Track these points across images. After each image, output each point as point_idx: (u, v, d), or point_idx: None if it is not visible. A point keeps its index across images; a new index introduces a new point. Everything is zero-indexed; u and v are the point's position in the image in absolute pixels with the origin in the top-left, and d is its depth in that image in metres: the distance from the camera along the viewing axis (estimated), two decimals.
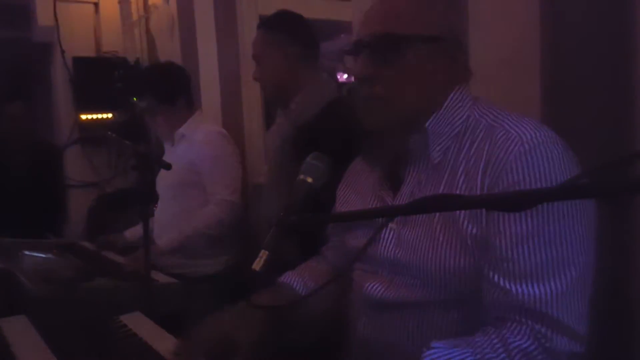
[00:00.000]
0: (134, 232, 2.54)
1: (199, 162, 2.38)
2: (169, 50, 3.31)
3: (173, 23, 3.25)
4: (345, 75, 6.93)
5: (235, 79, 2.84)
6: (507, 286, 0.94)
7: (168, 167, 1.75)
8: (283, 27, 1.96)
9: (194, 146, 2.41)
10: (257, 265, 0.99)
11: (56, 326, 1.32)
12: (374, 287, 1.11)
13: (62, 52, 3.40)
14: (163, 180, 2.36)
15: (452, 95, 1.09)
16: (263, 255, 1.00)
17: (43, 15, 3.37)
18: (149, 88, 2.46)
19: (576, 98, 1.39)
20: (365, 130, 1.16)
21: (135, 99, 3.44)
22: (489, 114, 1.07)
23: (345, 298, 1.25)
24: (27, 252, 2.10)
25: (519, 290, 0.93)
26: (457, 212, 1.00)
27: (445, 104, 1.08)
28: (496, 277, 0.96)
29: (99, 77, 3.45)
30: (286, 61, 1.92)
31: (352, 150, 1.35)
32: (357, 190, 1.26)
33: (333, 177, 1.25)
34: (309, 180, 1.08)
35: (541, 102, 1.45)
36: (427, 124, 1.07)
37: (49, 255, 2.13)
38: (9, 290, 1.65)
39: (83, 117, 3.43)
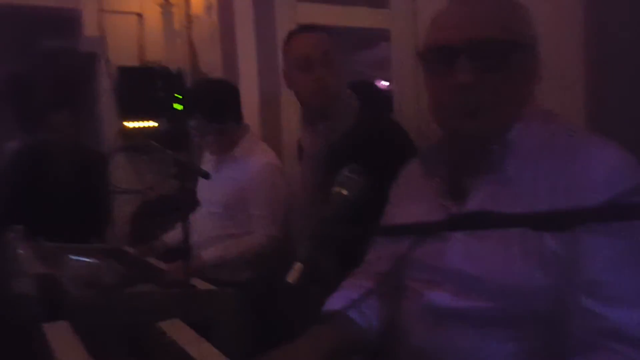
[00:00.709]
0: (172, 236, 2.59)
1: (250, 192, 2.36)
2: (210, 61, 3.37)
3: (214, 33, 3.31)
4: (384, 83, 6.93)
5: (274, 89, 2.87)
6: (601, 311, 0.90)
7: (207, 176, 1.78)
8: (324, 30, 1.92)
9: (246, 174, 2.38)
10: (292, 277, 1.00)
11: (97, 332, 1.36)
12: (438, 297, 1.09)
13: (108, 61, 3.50)
14: (207, 195, 2.40)
15: (530, 106, 1.07)
16: (297, 267, 1.01)
17: (89, 26, 3.49)
18: (199, 106, 2.41)
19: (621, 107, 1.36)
20: (452, 136, 1.15)
21: (177, 105, 3.53)
22: (568, 131, 1.04)
23: (397, 306, 1.23)
24: (72, 257, 2.16)
25: (614, 315, 0.89)
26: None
27: (525, 117, 1.06)
28: (588, 301, 0.92)
29: (142, 86, 3.54)
30: (335, 69, 1.84)
31: (392, 164, 1.35)
32: (413, 197, 1.23)
33: (373, 189, 1.25)
34: (344, 192, 1.08)
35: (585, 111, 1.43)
36: (509, 136, 1.05)
37: (94, 260, 2.18)
38: (53, 295, 1.69)
39: (127, 125, 3.52)
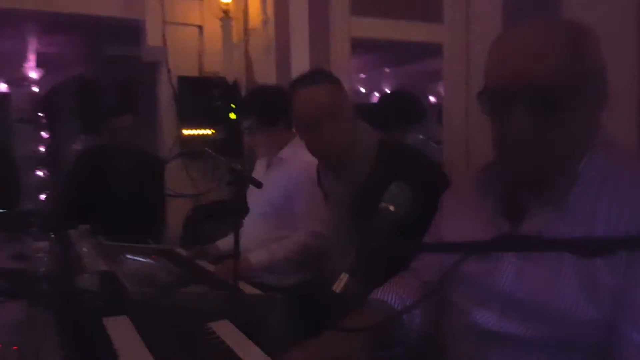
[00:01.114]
0: (225, 243, 2.68)
1: (294, 191, 2.45)
2: (265, 73, 3.47)
3: (270, 46, 3.41)
4: (432, 98, 6.92)
5: None
6: None
7: (259, 185, 1.86)
8: (329, 78, 1.81)
9: (291, 173, 2.47)
10: (338, 287, 1.05)
11: (154, 327, 1.44)
12: (485, 317, 1.10)
13: (169, 71, 3.65)
14: (256, 198, 2.48)
15: (599, 135, 1.04)
16: (343, 278, 1.05)
17: (153, 37, 3.64)
18: (252, 108, 2.55)
19: None
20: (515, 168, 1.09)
21: (232, 115, 3.64)
22: (632, 165, 1.03)
23: (443, 321, 1.25)
24: (129, 256, 2.27)
25: None
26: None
27: (594, 148, 1.03)
28: (634, 333, 0.92)
29: (201, 95, 3.67)
30: (345, 120, 1.75)
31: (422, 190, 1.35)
32: (464, 213, 1.22)
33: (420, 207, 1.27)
34: (391, 208, 1.12)
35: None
36: (579, 169, 1.02)
37: (149, 260, 2.29)
38: (113, 291, 1.79)
39: (185, 132, 3.65)
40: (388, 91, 7.28)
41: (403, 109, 2.95)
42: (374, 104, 3.29)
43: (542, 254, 1.02)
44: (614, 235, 0.95)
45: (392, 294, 1.27)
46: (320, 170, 2.06)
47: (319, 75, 1.82)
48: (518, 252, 1.07)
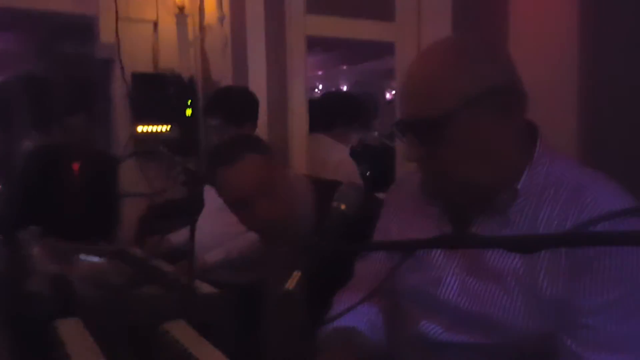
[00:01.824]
0: (177, 236, 2.68)
1: None
2: (222, 69, 3.46)
3: (226, 43, 3.40)
4: (389, 95, 7.01)
5: (282, 98, 2.96)
6: (584, 355, 0.93)
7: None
8: (263, 146, 1.63)
9: None
10: (291, 284, 1.07)
11: (106, 330, 1.43)
12: (430, 328, 1.11)
13: (122, 68, 3.59)
14: (213, 192, 2.47)
15: (537, 150, 1.05)
16: (296, 275, 1.07)
17: (105, 33, 3.57)
18: (219, 108, 2.60)
19: (613, 120, 1.42)
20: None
21: (188, 111, 3.62)
22: (572, 173, 1.03)
23: (393, 330, 1.26)
24: (81, 257, 2.24)
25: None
26: (537, 270, 0.98)
27: (534, 160, 1.04)
28: (573, 344, 0.95)
29: (155, 92, 3.63)
30: (279, 190, 1.56)
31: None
32: (409, 217, 1.22)
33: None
34: (343, 207, 1.14)
35: (577, 125, 1.49)
36: (518, 186, 1.02)
37: (102, 261, 2.26)
38: (64, 293, 1.76)
39: (139, 129, 3.60)
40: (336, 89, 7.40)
41: (342, 108, 3.03)
42: (317, 101, 3.33)
43: (485, 268, 1.04)
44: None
45: (359, 318, 1.24)
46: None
47: (243, 147, 1.58)
48: (461, 264, 1.08)
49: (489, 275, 1.04)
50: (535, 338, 1.00)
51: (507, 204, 1.03)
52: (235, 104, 2.59)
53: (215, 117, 2.58)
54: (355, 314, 1.22)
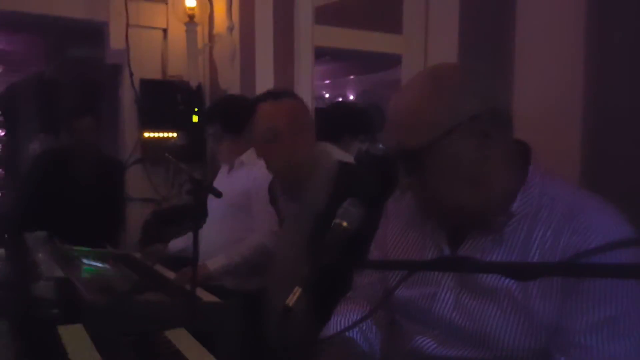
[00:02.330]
0: (177, 244, 2.72)
1: (254, 190, 2.52)
2: (229, 78, 3.48)
3: (235, 52, 3.43)
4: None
5: None
6: None
7: (219, 195, 1.88)
8: (292, 96, 1.87)
9: (251, 174, 2.56)
10: (291, 301, 1.08)
11: (108, 336, 1.44)
12: (425, 343, 1.13)
13: (131, 74, 3.63)
14: (216, 201, 2.50)
15: (530, 172, 1.06)
16: (296, 292, 1.08)
17: (116, 39, 3.61)
18: (218, 116, 2.66)
19: (616, 146, 1.44)
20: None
21: (195, 118, 3.65)
22: (567, 195, 1.04)
23: (390, 343, 1.27)
24: (85, 261, 2.26)
25: None
26: (530, 289, 1.00)
27: (526, 183, 1.05)
28: None
29: (163, 99, 3.66)
30: (305, 137, 1.78)
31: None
32: (407, 231, 1.25)
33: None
34: (344, 224, 1.15)
35: (581, 149, 1.50)
36: (513, 208, 1.04)
37: (106, 266, 2.28)
38: (68, 298, 1.78)
39: (146, 135, 3.64)
40: (343, 99, 7.42)
41: (349, 119, 3.05)
42: (324, 111, 3.36)
43: (479, 285, 1.06)
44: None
45: (347, 323, 1.27)
46: (275, 191, 2.06)
47: (282, 93, 1.88)
48: (455, 280, 1.10)
49: (483, 293, 1.06)
50: (527, 354, 1.02)
51: (501, 225, 1.05)
52: (232, 112, 2.65)
53: (213, 125, 2.64)
54: (344, 321, 1.26)
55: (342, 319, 1.30)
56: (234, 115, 2.63)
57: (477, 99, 1.04)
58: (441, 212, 1.12)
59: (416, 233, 1.22)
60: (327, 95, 7.62)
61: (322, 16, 2.98)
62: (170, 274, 2.33)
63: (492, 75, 1.14)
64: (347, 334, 1.25)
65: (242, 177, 2.60)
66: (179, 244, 2.71)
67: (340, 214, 1.16)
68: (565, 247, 0.99)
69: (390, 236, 1.29)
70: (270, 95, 1.88)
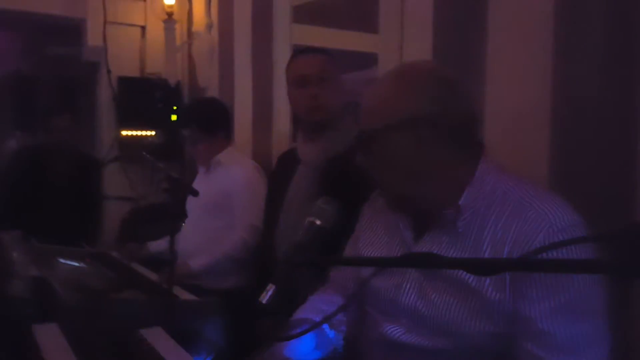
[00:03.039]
0: (156, 246, 2.73)
1: (232, 188, 2.58)
2: (208, 75, 3.48)
3: (213, 50, 3.42)
4: None
5: (267, 105, 2.99)
6: (547, 357, 0.99)
7: (195, 194, 1.89)
8: (333, 56, 2.07)
9: (229, 173, 2.62)
10: (264, 297, 1.09)
11: (83, 335, 1.44)
12: (393, 330, 1.18)
13: (109, 71, 3.60)
14: (195, 200, 2.51)
15: (479, 168, 1.13)
16: (270, 288, 1.10)
17: (93, 36, 3.58)
18: (194, 118, 2.71)
19: (583, 154, 1.48)
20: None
21: (173, 117, 3.63)
22: (517, 188, 1.10)
23: (360, 332, 1.32)
24: (62, 260, 2.25)
25: None
26: (483, 279, 1.05)
27: (475, 179, 1.12)
28: (534, 348, 1.01)
29: (141, 96, 3.64)
30: (344, 89, 2.02)
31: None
32: (378, 227, 1.31)
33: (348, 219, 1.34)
34: (318, 222, 1.17)
35: (549, 149, 1.54)
36: (460, 202, 1.11)
37: (82, 265, 2.28)
38: (43, 297, 1.78)
39: (123, 133, 3.61)
40: None
41: None
42: None
43: (440, 276, 1.12)
44: (498, 257, 1.05)
45: (315, 313, 1.32)
46: (299, 138, 2.16)
47: (317, 50, 2.10)
48: (419, 271, 1.16)
49: (443, 283, 1.12)
50: (488, 339, 1.06)
51: (453, 218, 1.12)
52: (205, 114, 2.72)
53: (188, 128, 2.68)
54: (312, 309, 1.32)
55: (312, 305, 1.36)
56: (208, 117, 2.69)
57: (425, 103, 1.11)
58: (390, 199, 1.22)
59: (386, 230, 1.28)
60: None
61: (300, 15, 2.99)
62: (150, 274, 2.33)
63: (461, 81, 1.18)
64: (308, 317, 1.29)
65: (220, 176, 2.63)
66: (160, 245, 2.70)
67: (314, 212, 1.18)
68: (516, 237, 1.04)
69: (364, 235, 1.35)
70: (308, 50, 2.09)
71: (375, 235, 1.32)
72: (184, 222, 2.69)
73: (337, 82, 1.99)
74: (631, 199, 1.35)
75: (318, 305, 1.35)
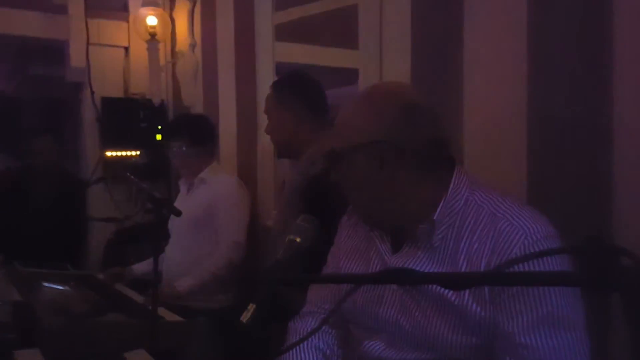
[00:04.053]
0: (141, 268, 2.72)
1: (215, 205, 2.60)
2: (193, 94, 3.48)
3: (197, 69, 3.44)
4: None
5: (251, 123, 3.01)
6: None
7: (178, 214, 1.88)
8: (293, 88, 2.12)
9: (212, 190, 2.64)
10: (245, 317, 1.09)
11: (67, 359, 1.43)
12: (373, 346, 1.19)
13: (92, 92, 3.59)
14: (178, 219, 2.50)
15: (452, 183, 1.14)
16: (251, 308, 1.09)
17: (76, 57, 3.57)
18: (180, 131, 2.72)
19: (560, 162, 1.50)
20: None
21: (158, 136, 3.63)
22: (490, 201, 1.11)
23: (344, 350, 1.33)
24: (45, 284, 2.22)
25: None
26: (463, 292, 1.06)
27: (448, 194, 1.13)
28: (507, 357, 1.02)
29: (125, 116, 3.63)
30: (295, 119, 2.07)
31: None
32: (355, 244, 1.31)
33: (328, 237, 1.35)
34: (298, 240, 1.18)
35: (527, 165, 1.56)
36: (434, 216, 1.12)
37: (66, 288, 2.25)
38: (25, 322, 1.76)
39: (108, 154, 3.60)
40: None
41: None
42: None
43: (420, 291, 1.12)
44: (475, 270, 1.06)
45: (313, 352, 1.32)
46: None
47: (278, 81, 2.26)
48: (399, 286, 1.16)
49: (422, 295, 1.12)
50: (469, 352, 1.07)
51: (427, 233, 1.13)
52: (196, 127, 2.75)
53: (179, 140, 2.68)
54: (309, 350, 1.30)
55: (297, 335, 1.35)
56: (195, 131, 2.71)
57: (385, 126, 1.14)
58: (360, 215, 1.26)
59: (363, 244, 1.29)
60: None
61: (282, 33, 3.01)
62: (136, 296, 2.31)
63: (429, 105, 1.19)
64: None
65: (203, 193, 2.65)
66: (144, 267, 2.70)
67: (294, 230, 1.19)
68: (493, 250, 1.06)
69: (342, 251, 1.35)
70: (277, 83, 2.22)
71: (353, 249, 1.32)
72: (167, 243, 2.69)
73: (276, 116, 2.13)
74: (607, 205, 1.37)
75: (313, 343, 1.34)
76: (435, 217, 1.12)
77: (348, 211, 1.40)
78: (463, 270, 1.08)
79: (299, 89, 2.12)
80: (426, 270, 1.11)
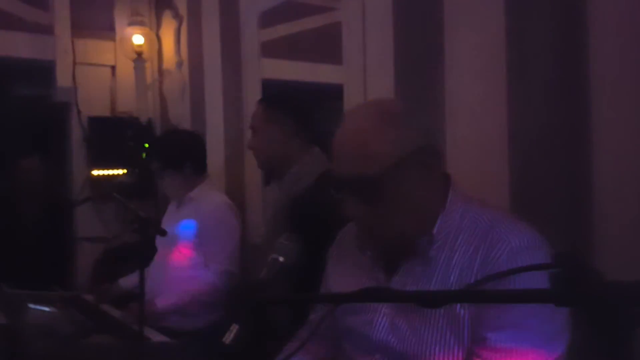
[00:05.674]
0: (128, 281, 2.68)
1: (204, 229, 2.52)
2: (180, 112, 3.50)
3: (184, 88, 3.45)
4: None
5: (239, 140, 3.01)
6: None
7: (163, 234, 1.88)
8: (281, 105, 2.11)
9: (200, 212, 2.55)
10: (227, 338, 1.09)
11: None
12: None
13: (79, 111, 3.59)
14: (165, 238, 2.49)
15: (449, 197, 1.16)
16: (233, 329, 1.09)
17: (63, 77, 3.57)
18: (157, 152, 2.66)
19: (541, 177, 1.52)
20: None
21: (144, 155, 3.63)
22: (484, 215, 1.13)
23: None
24: (31, 306, 2.20)
25: None
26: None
27: (446, 208, 1.15)
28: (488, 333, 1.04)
29: (113, 135, 3.63)
30: (280, 136, 2.05)
31: (342, 222, 1.41)
32: (348, 265, 1.30)
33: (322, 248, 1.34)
34: (281, 259, 1.18)
35: (510, 182, 1.58)
36: (434, 231, 1.13)
37: (53, 309, 2.23)
38: (10, 345, 1.74)
39: (94, 173, 3.58)
40: None
41: None
42: None
43: (411, 307, 1.11)
44: (465, 281, 1.08)
45: None
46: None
47: (266, 97, 2.31)
48: (390, 306, 1.16)
49: (414, 313, 1.12)
50: None
51: (426, 247, 1.14)
52: (168, 148, 2.65)
53: (155, 162, 2.63)
54: None
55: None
56: (174, 151, 2.61)
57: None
58: (380, 240, 1.18)
59: (354, 270, 1.27)
60: None
61: (269, 50, 3.03)
62: (115, 313, 2.29)
63: (424, 111, 1.22)
64: None
65: (191, 212, 2.58)
66: (130, 280, 2.66)
67: (277, 249, 1.19)
68: (482, 261, 1.08)
69: (333, 277, 1.36)
70: (265, 100, 2.24)
71: (345, 274, 1.30)
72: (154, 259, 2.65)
73: (264, 132, 2.09)
74: (588, 216, 1.39)
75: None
76: (434, 231, 1.14)
77: (338, 237, 1.40)
78: (452, 282, 1.09)
79: (291, 106, 2.12)
80: (423, 285, 1.13)
